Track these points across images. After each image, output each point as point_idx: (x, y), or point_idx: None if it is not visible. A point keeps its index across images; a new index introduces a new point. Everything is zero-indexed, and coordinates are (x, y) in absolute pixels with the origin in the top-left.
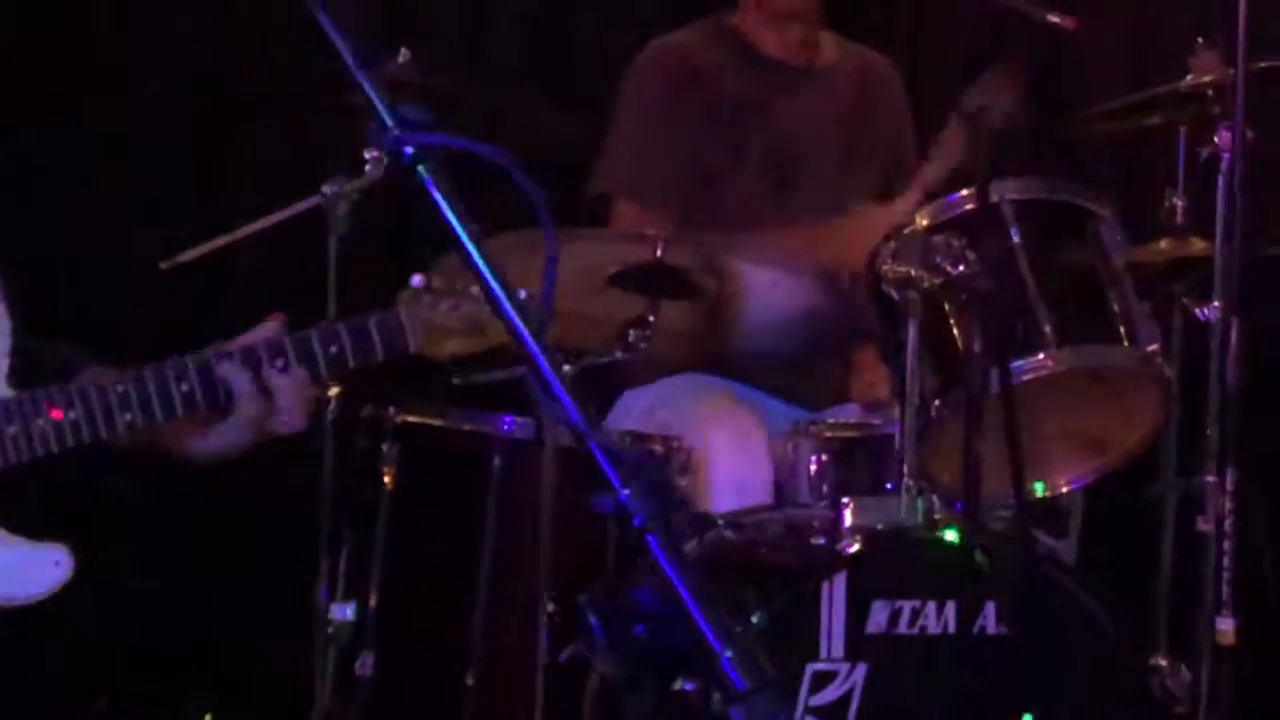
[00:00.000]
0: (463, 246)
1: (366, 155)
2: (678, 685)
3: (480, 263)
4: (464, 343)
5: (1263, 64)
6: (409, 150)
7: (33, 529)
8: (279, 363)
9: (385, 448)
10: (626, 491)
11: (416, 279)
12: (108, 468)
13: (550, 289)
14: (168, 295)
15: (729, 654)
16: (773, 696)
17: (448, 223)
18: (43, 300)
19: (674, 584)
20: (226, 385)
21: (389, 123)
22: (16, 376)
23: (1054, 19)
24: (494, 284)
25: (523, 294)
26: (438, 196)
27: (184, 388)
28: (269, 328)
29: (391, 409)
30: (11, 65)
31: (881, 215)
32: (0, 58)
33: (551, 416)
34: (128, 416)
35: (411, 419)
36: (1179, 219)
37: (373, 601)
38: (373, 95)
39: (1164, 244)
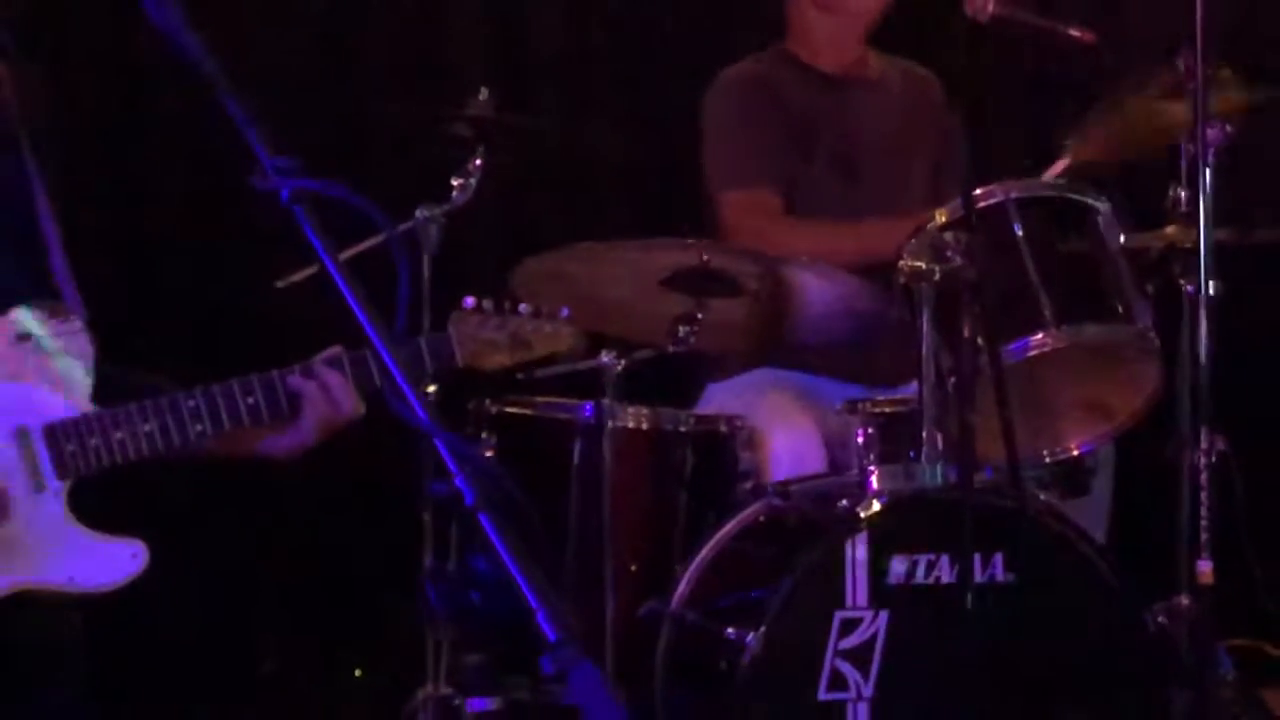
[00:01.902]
0: (327, 268)
1: (453, 183)
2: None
3: (341, 282)
4: (509, 356)
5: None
6: (285, 191)
7: (111, 528)
8: (331, 368)
9: (485, 435)
10: (460, 477)
11: (469, 300)
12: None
13: (404, 306)
14: (279, 311)
15: (543, 612)
16: (575, 647)
17: (316, 247)
18: (145, 323)
19: (500, 555)
20: (293, 395)
21: (269, 170)
22: (99, 395)
23: (1075, 33)
24: (354, 301)
25: (565, 312)
26: (307, 226)
27: (249, 400)
28: (329, 352)
29: (488, 401)
30: (110, 89)
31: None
32: (98, 80)
33: (398, 412)
34: (198, 427)
35: (507, 410)
36: (1182, 208)
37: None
38: (256, 148)
39: (1170, 230)
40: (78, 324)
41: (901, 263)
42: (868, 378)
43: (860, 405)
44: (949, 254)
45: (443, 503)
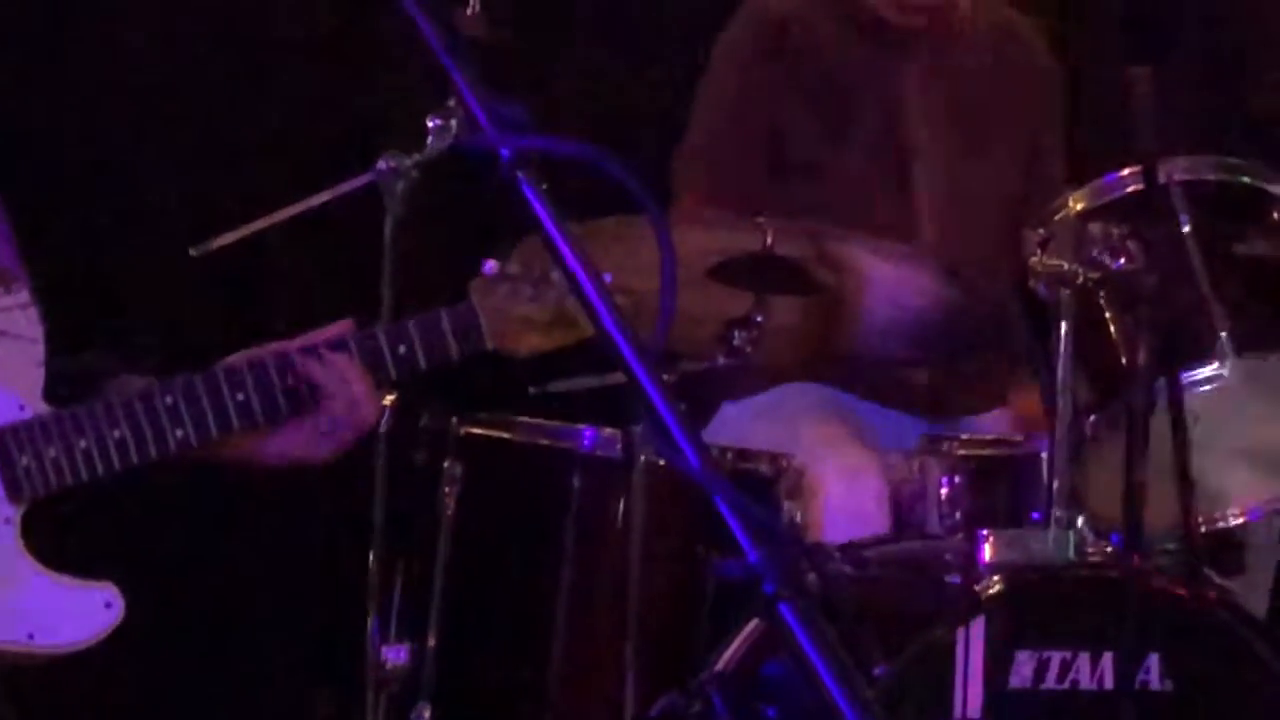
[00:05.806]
0: (562, 257)
1: (429, 124)
2: None
3: (582, 274)
4: (549, 337)
5: None
6: (506, 153)
7: (79, 563)
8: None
9: (447, 464)
10: (757, 554)
11: (489, 265)
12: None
13: (671, 294)
14: (201, 286)
15: None
16: None
17: (548, 231)
18: (75, 301)
19: (810, 660)
20: (292, 388)
21: (484, 124)
22: (52, 392)
23: None
24: (595, 295)
25: (607, 278)
26: (537, 205)
27: (239, 397)
28: (336, 327)
29: (454, 419)
30: (33, 57)
31: None
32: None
33: (648, 441)
34: (179, 433)
35: (477, 431)
36: None
37: (431, 643)
38: (466, 94)
39: None
40: (24, 295)
41: (1034, 260)
42: (932, 406)
43: (942, 445)
44: (1096, 252)
45: (734, 588)
